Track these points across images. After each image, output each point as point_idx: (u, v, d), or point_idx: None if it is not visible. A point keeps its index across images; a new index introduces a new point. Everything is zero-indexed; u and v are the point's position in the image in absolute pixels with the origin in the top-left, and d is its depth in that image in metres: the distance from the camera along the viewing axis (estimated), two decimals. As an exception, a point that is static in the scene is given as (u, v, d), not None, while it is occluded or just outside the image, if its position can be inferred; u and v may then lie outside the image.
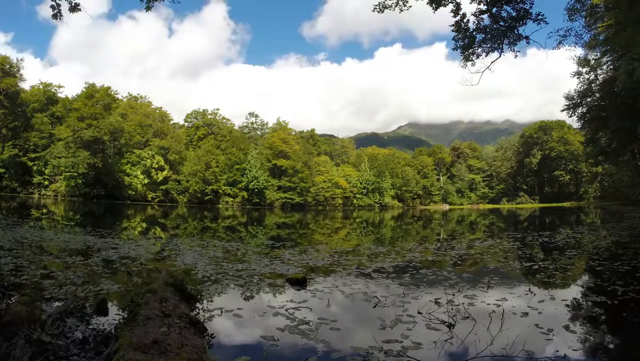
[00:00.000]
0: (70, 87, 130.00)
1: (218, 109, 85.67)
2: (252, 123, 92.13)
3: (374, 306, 5.55)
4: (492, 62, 11.04)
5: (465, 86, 11.59)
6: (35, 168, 61.16)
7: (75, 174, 57.15)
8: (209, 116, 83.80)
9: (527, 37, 10.54)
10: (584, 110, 37.93)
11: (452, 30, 11.13)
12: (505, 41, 10.81)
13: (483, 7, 10.58)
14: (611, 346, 4.54)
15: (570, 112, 38.80)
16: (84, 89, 64.98)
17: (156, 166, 65.19)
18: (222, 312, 5.11)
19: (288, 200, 72.73)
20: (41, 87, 67.68)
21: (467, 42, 11.16)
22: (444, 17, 11.19)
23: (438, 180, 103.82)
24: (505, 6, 10.51)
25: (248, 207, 66.24)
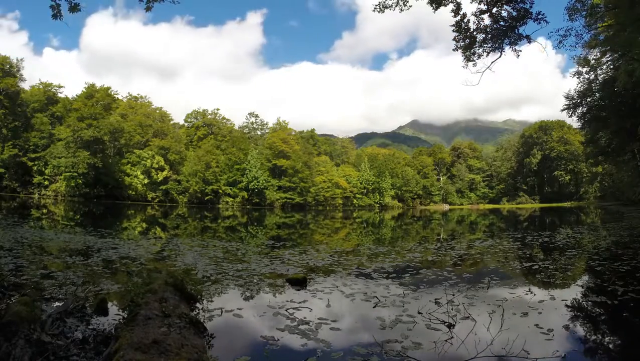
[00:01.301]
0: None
1: (218, 109, 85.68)
2: (252, 123, 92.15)
3: (374, 306, 5.55)
4: (492, 62, 11.07)
5: (466, 86, 11.60)
6: (35, 168, 61.13)
7: (75, 174, 57.15)
8: (209, 116, 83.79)
9: (527, 37, 10.55)
10: (584, 110, 37.92)
11: (453, 31, 11.15)
12: (505, 41, 10.82)
13: (483, 7, 10.60)
14: (611, 346, 4.53)
15: (570, 112, 38.80)
16: (84, 89, 65.05)
17: (156, 166, 65.22)
18: (222, 312, 5.11)
19: (288, 200, 72.74)
20: (41, 87, 67.69)
21: (468, 43, 11.18)
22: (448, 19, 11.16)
23: (438, 180, 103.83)
24: (505, 6, 10.52)
25: (248, 207, 66.25)
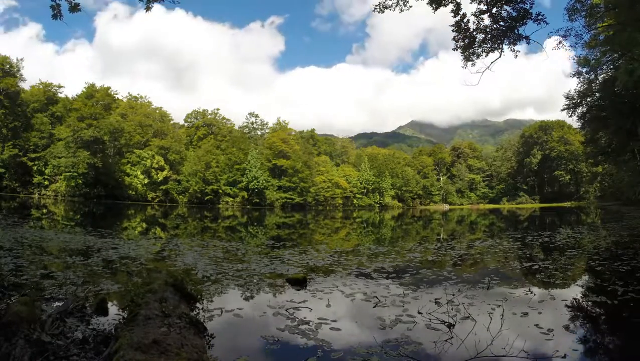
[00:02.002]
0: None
1: (218, 109, 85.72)
2: (252, 123, 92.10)
3: (374, 306, 5.55)
4: (492, 62, 11.07)
5: (466, 86, 11.61)
6: (35, 168, 61.16)
7: (76, 174, 57.17)
8: (209, 116, 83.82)
9: (527, 37, 10.55)
10: (584, 110, 37.94)
11: (453, 31, 11.15)
12: (505, 41, 10.82)
13: (483, 7, 10.60)
14: (611, 346, 4.54)
15: (570, 112, 38.83)
16: (84, 89, 65.10)
17: (156, 166, 65.24)
18: (222, 312, 5.11)
19: (288, 200, 72.75)
20: (41, 87, 67.70)
21: (468, 42, 11.18)
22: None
23: (438, 180, 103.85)
24: (505, 6, 10.52)
25: (248, 207, 66.25)
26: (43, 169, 60.86)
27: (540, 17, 9.96)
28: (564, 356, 3.88)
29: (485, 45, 11.15)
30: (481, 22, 10.91)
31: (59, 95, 68.95)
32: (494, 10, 10.60)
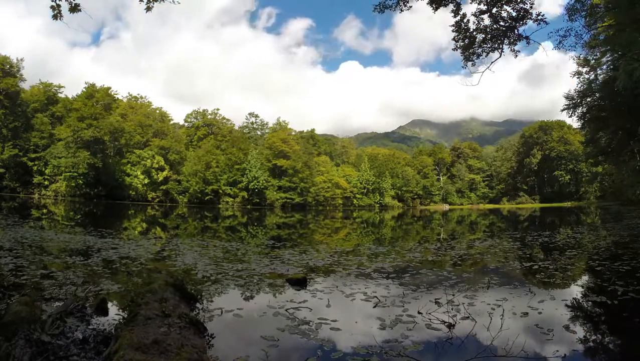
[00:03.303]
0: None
1: (218, 109, 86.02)
2: (252, 123, 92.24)
3: (374, 306, 5.55)
4: (492, 62, 11.07)
5: (466, 86, 11.62)
6: (35, 168, 61.19)
7: (76, 174, 57.22)
8: (209, 116, 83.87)
9: (527, 37, 10.55)
10: (584, 110, 37.96)
11: (452, 31, 11.14)
12: (505, 41, 10.82)
13: (483, 7, 10.59)
14: (611, 346, 4.53)
15: (570, 112, 38.85)
16: (84, 89, 65.19)
17: (156, 166, 65.28)
18: (222, 312, 5.11)
19: (288, 200, 72.79)
20: (41, 87, 67.76)
21: (468, 42, 11.17)
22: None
23: (438, 180, 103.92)
24: (505, 6, 10.51)
25: (248, 207, 66.26)
26: (43, 169, 60.88)
27: (540, 17, 9.95)
28: (564, 356, 3.88)
29: (485, 45, 11.13)
30: (481, 22, 10.90)
31: (59, 95, 69.07)
32: (494, 10, 10.59)
